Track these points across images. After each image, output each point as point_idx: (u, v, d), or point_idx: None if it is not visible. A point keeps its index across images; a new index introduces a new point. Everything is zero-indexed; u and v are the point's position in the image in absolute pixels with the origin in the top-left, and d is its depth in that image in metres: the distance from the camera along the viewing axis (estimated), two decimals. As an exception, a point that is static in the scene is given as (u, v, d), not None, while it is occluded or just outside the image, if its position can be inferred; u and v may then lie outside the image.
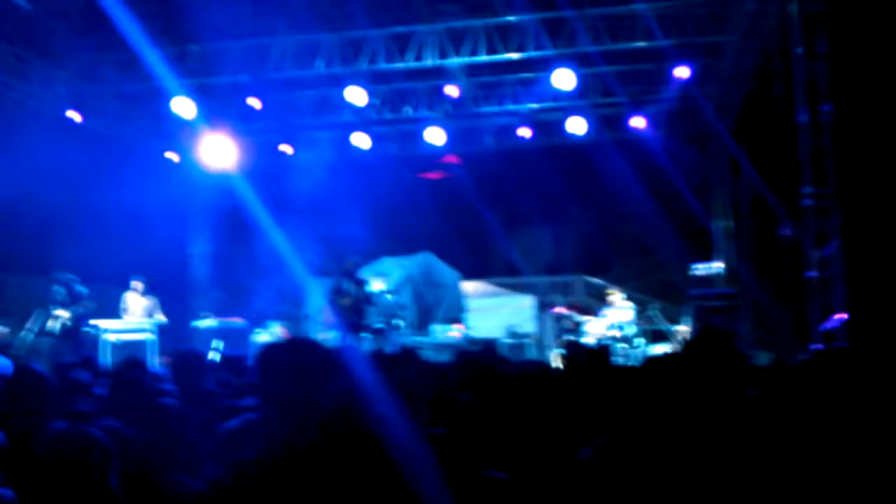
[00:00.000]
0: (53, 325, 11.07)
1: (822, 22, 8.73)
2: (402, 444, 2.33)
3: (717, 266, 12.79)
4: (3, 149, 10.53)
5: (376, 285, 12.62)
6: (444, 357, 10.55)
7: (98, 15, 9.22)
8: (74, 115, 12.60)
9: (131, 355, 6.11)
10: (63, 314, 11.09)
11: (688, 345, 3.70)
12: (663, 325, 12.16)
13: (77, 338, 11.03)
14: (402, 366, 4.20)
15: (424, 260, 15.39)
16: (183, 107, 12.15)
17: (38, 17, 10.24)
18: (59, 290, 11.17)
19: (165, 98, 12.01)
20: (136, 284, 11.98)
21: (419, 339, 13.03)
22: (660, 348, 11.87)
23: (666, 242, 13.36)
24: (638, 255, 14.06)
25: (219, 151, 13.01)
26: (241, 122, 13.80)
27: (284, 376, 2.83)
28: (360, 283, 11.68)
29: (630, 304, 12.34)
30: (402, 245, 15.39)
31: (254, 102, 13.07)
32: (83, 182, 11.98)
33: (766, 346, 10.33)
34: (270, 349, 3.08)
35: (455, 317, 14.35)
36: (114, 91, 12.81)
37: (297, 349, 2.96)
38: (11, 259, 10.66)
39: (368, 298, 11.83)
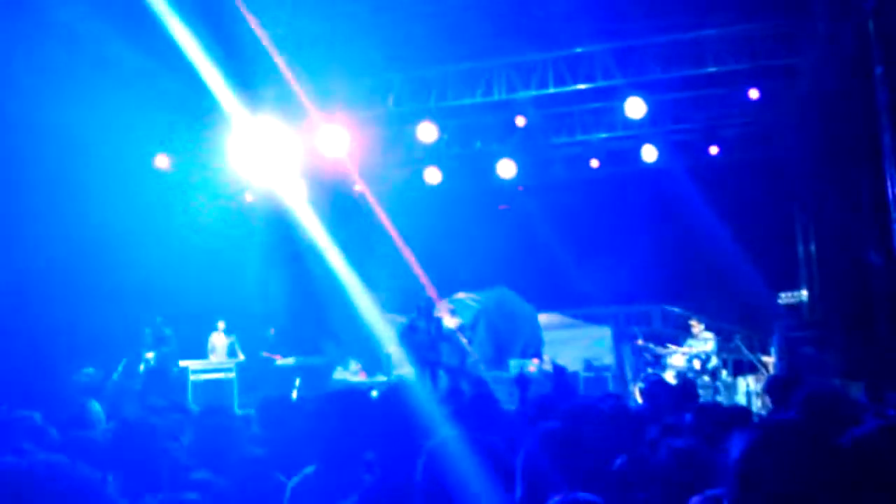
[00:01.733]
0: (141, 366, 11.43)
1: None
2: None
3: (803, 294, 12.36)
4: (93, 192, 10.99)
5: (451, 322, 12.61)
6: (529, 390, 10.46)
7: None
8: (163, 161, 12.99)
9: (217, 401, 6.25)
10: (150, 356, 11.45)
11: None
12: (749, 356, 11.77)
13: (164, 379, 11.35)
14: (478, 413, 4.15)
15: (499, 294, 15.32)
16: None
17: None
18: (146, 332, 11.55)
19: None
20: (220, 324, 12.31)
21: (495, 374, 12.93)
22: (747, 380, 11.50)
23: (747, 270, 12.99)
24: (718, 283, 13.70)
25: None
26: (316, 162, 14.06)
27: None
28: (435, 321, 11.70)
29: (711, 335, 12.03)
30: (476, 279, 15.38)
31: (338, 141, 13.19)
32: (164, 224, 12.40)
33: (856, 376, 9.88)
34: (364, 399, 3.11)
35: (533, 350, 14.20)
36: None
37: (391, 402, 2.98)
38: (98, 303, 11.05)
39: (443, 336, 11.83)
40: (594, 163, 14.38)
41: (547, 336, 15.19)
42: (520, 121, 12.60)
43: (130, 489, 2.93)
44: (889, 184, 8.71)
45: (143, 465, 3.33)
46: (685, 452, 2.83)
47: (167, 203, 12.62)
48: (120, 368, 11.34)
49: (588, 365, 13.42)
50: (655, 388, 5.60)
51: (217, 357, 12.26)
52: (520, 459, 2.76)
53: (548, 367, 12.99)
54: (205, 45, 9.65)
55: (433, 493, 2.33)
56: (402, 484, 2.51)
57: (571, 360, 13.96)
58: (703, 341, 11.99)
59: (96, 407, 5.57)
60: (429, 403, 3.09)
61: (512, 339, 14.71)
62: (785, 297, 12.15)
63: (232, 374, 11.70)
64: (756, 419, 4.60)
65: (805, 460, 1.84)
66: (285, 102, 12.27)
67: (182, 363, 11.70)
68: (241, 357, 12.22)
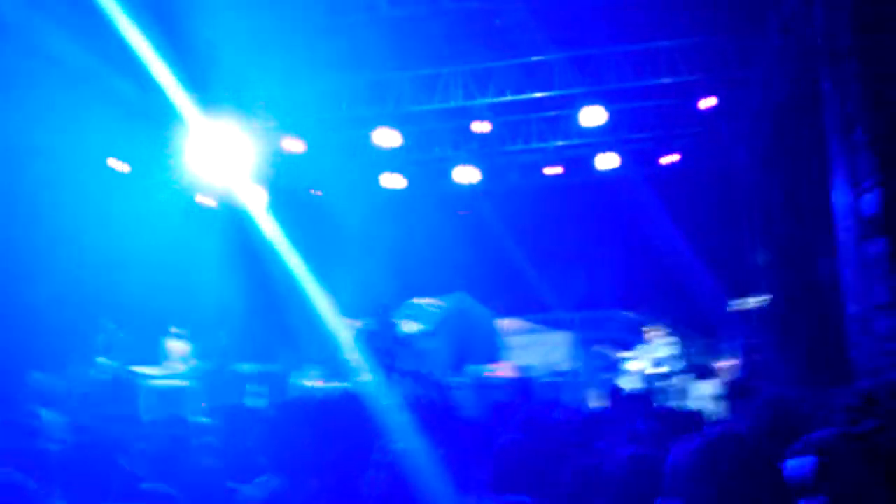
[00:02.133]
0: (93, 372, 11.19)
1: (850, 55, 8.67)
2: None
3: (755, 301, 12.61)
4: (44, 194, 10.78)
5: (409, 327, 12.60)
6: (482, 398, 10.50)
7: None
8: (117, 165, 12.78)
9: (170, 408, 6.17)
10: (104, 362, 11.22)
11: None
12: (704, 361, 11.95)
13: (116, 385, 11.14)
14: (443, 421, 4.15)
15: (458, 299, 15.36)
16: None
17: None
18: (98, 337, 11.33)
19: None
20: (175, 330, 12.13)
21: (455, 380, 12.95)
22: (701, 385, 11.68)
23: (703, 277, 13.22)
24: (674, 290, 13.90)
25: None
26: (272, 164, 13.97)
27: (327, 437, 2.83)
28: (393, 326, 11.68)
29: (672, 340, 12.22)
30: (435, 285, 15.39)
31: (294, 145, 13.17)
32: (122, 226, 12.19)
33: (809, 382, 10.11)
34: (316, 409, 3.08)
35: (492, 356, 14.25)
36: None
37: (342, 409, 2.96)
38: (51, 306, 10.82)
39: (401, 341, 11.82)
40: (551, 170, 14.50)
41: (507, 342, 15.27)
42: (484, 126, 12.65)
43: (80, 500, 2.88)
44: (833, 194, 8.95)
45: (94, 476, 3.27)
46: (635, 459, 2.87)
47: (121, 206, 12.39)
48: (70, 374, 11.10)
49: (546, 370, 13.52)
50: (612, 394, 5.67)
51: (171, 363, 12.06)
52: (483, 470, 2.78)
53: (511, 373, 13.08)
54: (158, 46, 9.54)
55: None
56: (351, 496, 2.50)
57: (532, 364, 14.06)
58: (660, 347, 12.14)
59: (48, 416, 5.46)
60: (384, 410, 3.08)
61: (471, 345, 14.76)
62: (739, 304, 12.38)
63: (187, 382, 11.52)
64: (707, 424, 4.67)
65: (748, 473, 1.89)
66: (242, 105, 12.18)
67: (134, 369, 11.48)
68: (195, 363, 12.04)
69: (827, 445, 2.02)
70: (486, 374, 13.10)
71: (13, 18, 9.02)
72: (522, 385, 11.50)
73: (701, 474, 1.97)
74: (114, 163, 12.72)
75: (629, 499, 2.81)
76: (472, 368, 13.55)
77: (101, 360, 11.25)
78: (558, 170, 14.57)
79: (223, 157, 12.15)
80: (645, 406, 5.41)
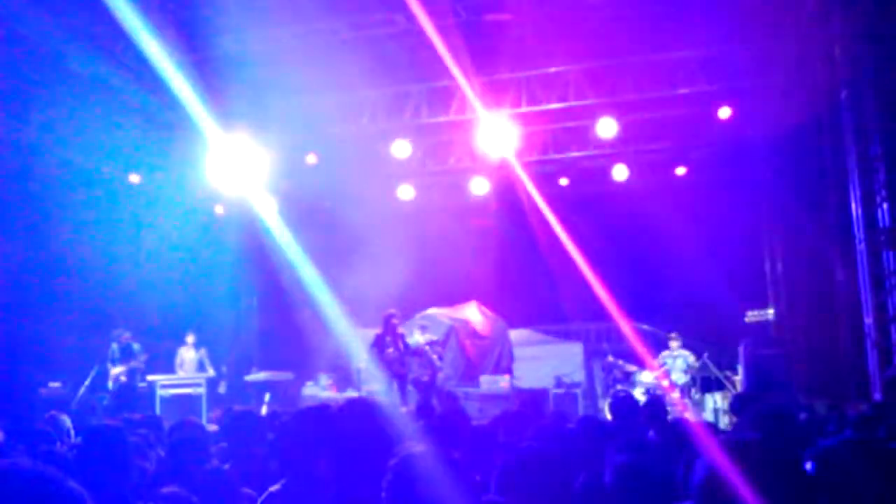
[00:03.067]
0: (109, 381, 11.28)
1: (868, 64, 8.66)
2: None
3: (770, 312, 12.54)
4: (63, 207, 10.92)
5: (422, 337, 12.62)
6: (493, 408, 10.49)
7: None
8: (135, 176, 12.87)
9: (186, 415, 6.21)
10: (118, 370, 11.31)
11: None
12: (716, 373, 11.89)
13: (132, 394, 11.22)
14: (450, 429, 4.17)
15: (470, 310, 15.36)
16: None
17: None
18: (114, 347, 11.42)
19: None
20: (189, 338, 12.22)
21: (466, 390, 12.95)
22: (714, 397, 11.63)
23: (716, 288, 13.15)
24: (687, 301, 13.84)
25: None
26: (289, 177, 14.04)
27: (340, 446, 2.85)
28: (404, 336, 11.71)
29: (686, 352, 12.18)
30: (448, 295, 15.40)
31: (310, 157, 13.27)
32: (135, 238, 12.32)
33: (822, 393, 10.04)
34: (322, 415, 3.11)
35: (504, 366, 14.24)
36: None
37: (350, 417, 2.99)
38: (66, 316, 10.93)
39: (413, 350, 11.84)
40: (564, 181, 14.48)
41: (518, 352, 15.24)
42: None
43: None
44: (854, 204, 8.91)
45: (113, 479, 3.31)
46: (628, 468, 2.88)
47: (138, 217, 12.53)
48: (87, 383, 11.20)
49: (558, 381, 13.48)
50: (624, 404, 5.65)
51: (185, 371, 12.14)
52: (493, 478, 2.79)
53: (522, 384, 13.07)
54: (177, 60, 9.64)
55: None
56: (367, 500, 2.52)
57: (543, 376, 14.03)
58: (677, 358, 12.12)
59: (67, 422, 5.52)
60: (395, 418, 3.10)
61: (483, 354, 14.75)
62: (752, 315, 12.31)
63: (201, 389, 11.60)
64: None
65: (768, 477, 1.89)
66: (258, 118, 12.27)
67: (150, 378, 11.58)
68: (211, 372, 12.11)
69: (840, 452, 2.02)
70: (500, 384, 13.09)
71: (37, 35, 9.16)
72: (534, 396, 11.48)
73: (713, 483, 1.98)
74: (132, 176, 12.83)
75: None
76: (484, 378, 13.54)
77: (116, 369, 11.35)
78: (572, 181, 14.55)
79: (240, 169, 12.24)
80: (657, 417, 5.40)
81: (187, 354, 12.30)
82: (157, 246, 12.71)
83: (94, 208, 11.50)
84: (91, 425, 4.00)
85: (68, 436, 5.40)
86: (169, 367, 12.19)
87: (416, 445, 2.67)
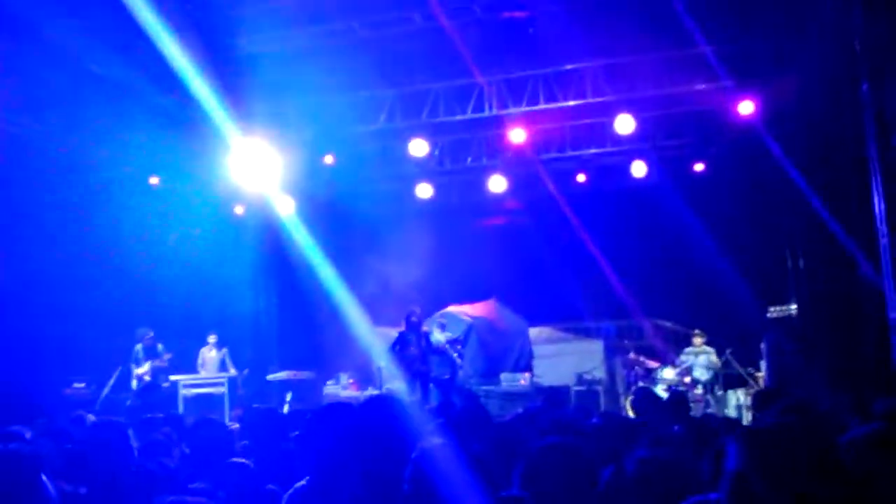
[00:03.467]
0: (133, 381, 11.39)
1: (890, 57, 8.57)
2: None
3: (793, 307, 12.44)
4: (86, 209, 11.03)
5: (442, 335, 12.63)
6: (514, 406, 10.48)
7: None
8: (156, 178, 12.99)
9: (208, 414, 6.26)
10: (142, 370, 11.41)
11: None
12: (739, 370, 11.81)
13: (156, 393, 11.33)
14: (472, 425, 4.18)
15: (490, 307, 15.35)
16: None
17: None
18: (137, 347, 11.53)
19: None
20: (211, 338, 12.31)
21: (486, 388, 12.95)
22: (737, 394, 11.55)
23: (737, 284, 13.06)
24: (708, 297, 13.75)
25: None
26: (308, 177, 14.08)
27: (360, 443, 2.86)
28: (425, 334, 11.73)
29: (710, 349, 12.12)
30: (467, 293, 15.39)
31: (328, 156, 13.32)
32: (160, 238, 12.41)
33: (843, 389, 9.94)
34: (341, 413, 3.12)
35: (524, 364, 14.22)
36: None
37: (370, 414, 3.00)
38: (90, 317, 11.04)
39: (433, 349, 11.86)
40: (581, 177, 14.42)
41: (538, 350, 15.21)
42: (519, 135, 12.60)
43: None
44: (876, 198, 8.82)
45: (138, 477, 3.35)
46: (652, 462, 2.87)
47: (159, 218, 12.62)
48: (111, 383, 11.32)
49: (579, 379, 13.45)
50: (646, 400, 5.63)
51: (207, 371, 12.24)
52: (516, 471, 2.79)
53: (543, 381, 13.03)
54: (196, 62, 9.70)
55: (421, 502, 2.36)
56: (390, 495, 2.54)
57: (562, 373, 13.99)
58: (700, 355, 12.05)
59: (90, 421, 5.58)
60: (416, 416, 3.11)
61: (503, 352, 14.73)
62: (774, 311, 12.20)
63: (223, 389, 11.68)
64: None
65: (800, 463, 1.89)
66: (276, 118, 12.33)
67: (173, 377, 11.68)
68: (233, 371, 12.20)
69: (871, 441, 2.01)
70: (520, 381, 13.08)
71: (58, 38, 9.26)
72: (556, 392, 11.46)
73: (755, 468, 1.97)
74: (153, 177, 12.93)
75: (646, 500, 2.82)
76: (503, 376, 13.53)
77: (140, 369, 11.46)
78: (590, 178, 14.49)
79: (260, 169, 12.30)
80: (680, 414, 5.38)
81: (209, 354, 12.40)
82: (177, 247, 12.79)
83: (116, 210, 11.59)
84: (118, 425, 4.04)
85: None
86: (191, 367, 12.29)
87: (438, 439, 2.69)
